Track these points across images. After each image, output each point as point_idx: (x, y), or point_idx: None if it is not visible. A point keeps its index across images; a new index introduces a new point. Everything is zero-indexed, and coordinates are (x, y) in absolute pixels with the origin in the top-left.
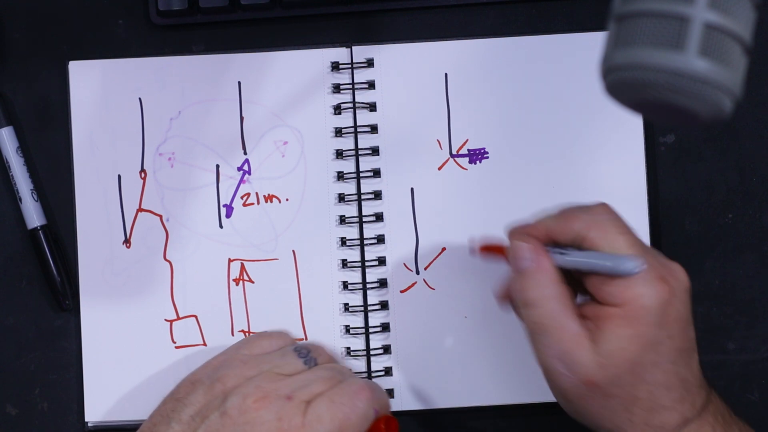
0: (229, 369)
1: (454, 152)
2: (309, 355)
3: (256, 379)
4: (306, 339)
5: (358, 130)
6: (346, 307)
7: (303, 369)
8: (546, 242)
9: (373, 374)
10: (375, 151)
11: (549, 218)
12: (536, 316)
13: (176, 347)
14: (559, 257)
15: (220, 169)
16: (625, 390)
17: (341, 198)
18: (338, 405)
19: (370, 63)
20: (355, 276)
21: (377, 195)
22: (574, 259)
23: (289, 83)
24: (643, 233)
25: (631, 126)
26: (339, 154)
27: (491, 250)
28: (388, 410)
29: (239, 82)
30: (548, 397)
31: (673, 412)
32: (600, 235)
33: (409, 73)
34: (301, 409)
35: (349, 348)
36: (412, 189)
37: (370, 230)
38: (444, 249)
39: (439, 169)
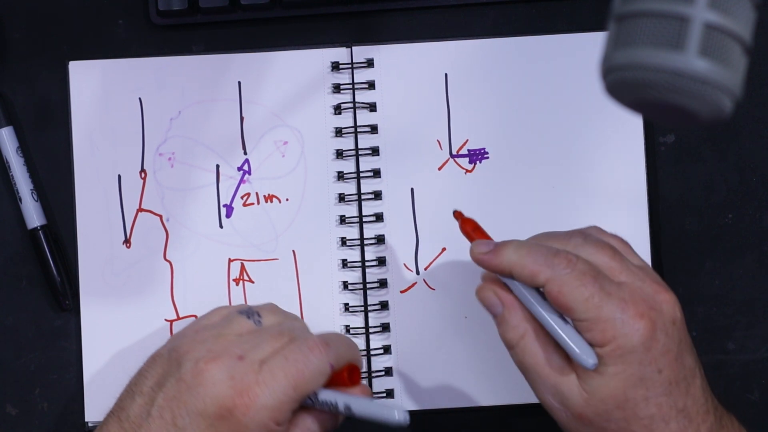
0: (183, 339)
1: (454, 152)
2: (254, 313)
3: (207, 342)
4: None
5: (358, 130)
6: (347, 307)
7: (252, 329)
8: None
9: (373, 374)
10: (375, 151)
11: (515, 255)
12: (518, 356)
13: None
14: (529, 305)
15: (220, 169)
16: (618, 425)
17: (341, 198)
18: (292, 362)
19: (370, 63)
20: (355, 276)
21: (377, 195)
22: (541, 319)
23: (289, 83)
24: (643, 233)
25: (631, 126)
26: (339, 154)
27: (466, 227)
28: (353, 362)
29: (239, 82)
30: None
31: None
32: (560, 292)
33: (409, 73)
34: (254, 368)
35: None
36: (412, 189)
37: (370, 230)
38: (444, 249)
39: (439, 169)
